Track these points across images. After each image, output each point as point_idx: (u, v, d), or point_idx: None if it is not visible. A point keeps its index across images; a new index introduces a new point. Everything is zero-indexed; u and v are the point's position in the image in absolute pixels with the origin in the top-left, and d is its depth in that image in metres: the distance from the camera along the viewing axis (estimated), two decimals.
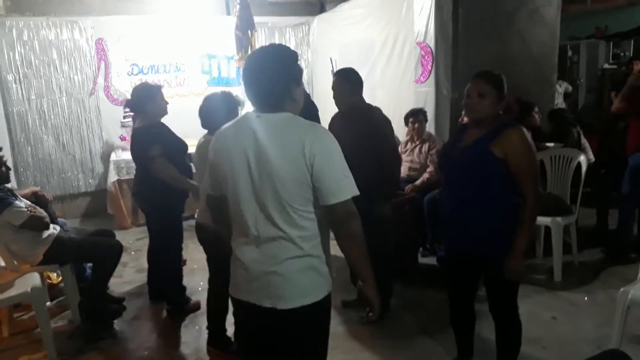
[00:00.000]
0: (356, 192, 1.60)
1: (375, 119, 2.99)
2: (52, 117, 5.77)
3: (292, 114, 1.64)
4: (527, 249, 2.11)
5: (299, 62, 1.71)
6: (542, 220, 3.69)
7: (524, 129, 2.13)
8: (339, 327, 3.09)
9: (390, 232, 3.14)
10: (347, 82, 2.98)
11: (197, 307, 3.48)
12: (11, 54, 5.50)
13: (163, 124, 3.30)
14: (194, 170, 3.20)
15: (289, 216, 1.59)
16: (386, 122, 3.05)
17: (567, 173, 3.93)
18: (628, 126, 4.09)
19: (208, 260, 2.86)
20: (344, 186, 1.57)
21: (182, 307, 3.45)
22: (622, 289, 2.46)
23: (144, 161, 3.19)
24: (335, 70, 6.14)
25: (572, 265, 3.82)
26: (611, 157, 4.38)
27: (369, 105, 3.08)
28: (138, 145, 3.25)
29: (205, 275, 2.90)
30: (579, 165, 3.86)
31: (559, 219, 3.64)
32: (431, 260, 3.99)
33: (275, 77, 1.61)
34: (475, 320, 2.51)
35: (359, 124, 2.89)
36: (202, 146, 2.73)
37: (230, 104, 2.80)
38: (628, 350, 2.39)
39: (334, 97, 3.06)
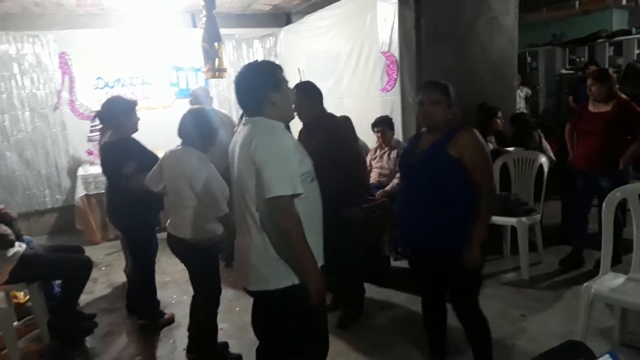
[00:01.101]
0: (288, 192, 1.72)
1: (335, 128, 3.06)
2: (15, 132, 5.62)
3: (261, 118, 1.87)
4: (486, 241, 2.22)
5: (278, 72, 1.92)
6: (508, 220, 3.82)
7: (475, 130, 2.27)
8: None
9: (360, 237, 3.19)
10: (306, 95, 3.03)
11: (171, 320, 3.44)
12: None
13: (134, 139, 3.26)
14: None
15: (249, 211, 1.83)
16: (346, 129, 3.12)
17: (530, 175, 4.08)
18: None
19: (191, 275, 2.81)
20: (276, 183, 1.72)
21: (156, 321, 3.41)
22: (585, 284, 2.56)
23: (117, 177, 3.13)
24: (301, 79, 6.24)
25: (538, 263, 3.95)
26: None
27: (330, 115, 3.14)
28: (110, 161, 3.20)
29: (179, 288, 2.88)
30: (541, 166, 4.02)
31: (524, 219, 3.77)
32: (403, 264, 4.06)
33: (250, 85, 1.88)
34: (445, 318, 2.57)
35: (319, 134, 2.95)
36: (187, 159, 2.66)
37: (214, 119, 2.82)
38: (593, 342, 2.51)
39: (295, 111, 3.08)
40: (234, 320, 3.40)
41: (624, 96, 3.68)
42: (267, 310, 1.98)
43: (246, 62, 6.91)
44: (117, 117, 3.20)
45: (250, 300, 2.05)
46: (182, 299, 3.70)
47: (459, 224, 2.23)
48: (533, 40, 8.95)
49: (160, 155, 3.25)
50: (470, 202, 2.21)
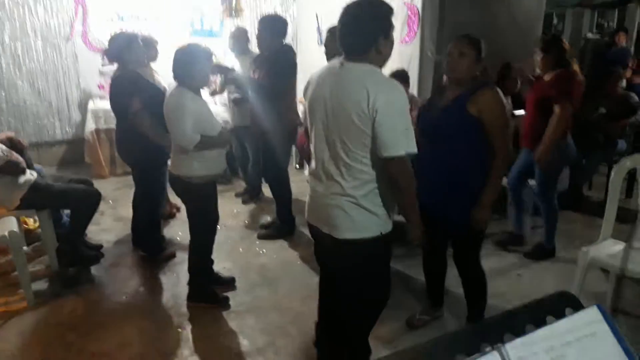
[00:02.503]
0: (412, 150, 1.73)
1: (279, 60, 3.42)
2: (27, 61, 5.58)
3: (371, 67, 1.75)
4: (495, 202, 2.24)
5: (391, 15, 1.78)
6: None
7: (497, 89, 2.23)
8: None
9: None
10: (268, 29, 3.40)
11: (172, 256, 3.53)
12: None
13: (138, 74, 3.24)
14: None
15: (349, 159, 1.77)
16: (286, 64, 3.49)
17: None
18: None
19: (188, 213, 2.88)
20: (398, 142, 1.70)
21: (156, 255, 3.50)
22: (582, 249, 2.59)
23: (124, 113, 3.17)
24: (320, 27, 6.09)
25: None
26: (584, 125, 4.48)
27: (286, 49, 3.48)
28: (117, 97, 3.23)
29: (185, 225, 2.94)
30: None
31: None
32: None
33: (364, 28, 1.73)
34: (445, 269, 2.65)
35: (265, 67, 3.37)
36: (173, 99, 2.69)
37: (203, 56, 2.76)
38: (585, 304, 2.55)
39: (257, 42, 3.52)
40: (236, 261, 3.49)
41: (575, 68, 3.36)
42: (349, 258, 1.93)
43: (264, 4, 6.81)
44: (120, 51, 3.20)
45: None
46: (188, 236, 3.77)
47: (471, 185, 2.24)
48: (562, 1, 8.61)
49: None
50: (487, 165, 2.20)
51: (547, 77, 3.33)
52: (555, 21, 8.60)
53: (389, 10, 1.77)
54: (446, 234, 2.46)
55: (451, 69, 2.26)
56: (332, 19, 5.42)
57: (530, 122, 3.38)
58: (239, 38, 4.52)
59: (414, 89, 4.52)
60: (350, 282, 2.02)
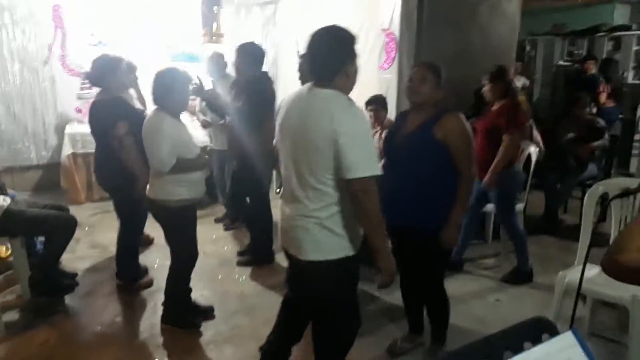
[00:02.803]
0: (376, 172, 1.76)
1: (258, 89, 3.42)
2: (3, 84, 5.50)
3: (337, 92, 1.80)
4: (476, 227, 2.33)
5: (355, 43, 1.85)
6: (491, 206, 3.87)
7: (460, 114, 2.33)
8: None
9: None
10: (246, 57, 3.43)
11: (149, 284, 3.47)
12: None
13: (123, 98, 3.24)
14: None
15: (314, 181, 1.80)
16: (265, 92, 3.50)
17: (518, 163, 4.10)
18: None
19: (166, 237, 2.85)
20: (362, 164, 1.73)
21: (133, 282, 3.43)
22: (560, 273, 2.62)
23: (105, 138, 3.14)
24: (300, 52, 6.17)
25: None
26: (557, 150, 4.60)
27: (263, 78, 3.54)
28: (99, 121, 3.19)
29: (162, 252, 2.89)
30: (529, 156, 4.04)
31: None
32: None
33: (331, 54, 1.80)
34: (423, 294, 2.64)
35: (247, 92, 3.37)
36: (151, 123, 2.71)
37: (181, 80, 2.77)
38: (563, 329, 2.57)
39: (235, 69, 3.54)
40: (215, 289, 3.44)
41: (521, 98, 3.46)
42: (316, 280, 1.94)
43: (244, 29, 6.89)
44: (102, 75, 3.20)
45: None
46: (165, 263, 3.71)
47: (440, 205, 2.31)
48: (534, 29, 8.90)
49: None
50: (452, 185, 2.29)
51: (494, 107, 3.48)
52: (527, 48, 8.87)
53: (353, 38, 1.84)
54: (415, 255, 2.45)
55: (413, 93, 2.34)
56: None
57: (480, 152, 3.32)
58: (217, 62, 4.55)
59: (392, 114, 4.58)
60: (315, 306, 2.04)
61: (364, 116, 1.84)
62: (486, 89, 3.50)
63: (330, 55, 1.80)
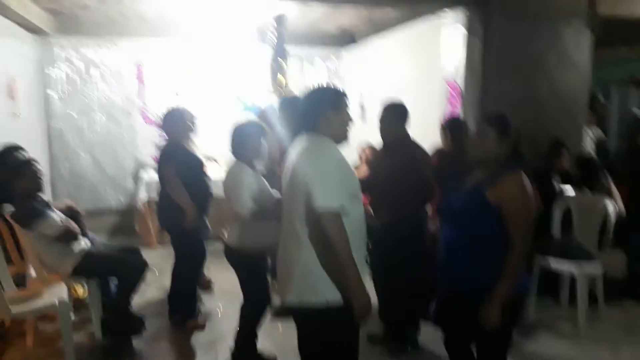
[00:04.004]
0: (336, 204, 1.78)
1: (415, 154, 3.11)
2: (90, 134, 6.00)
3: (316, 136, 1.96)
4: (511, 305, 2.03)
5: (342, 97, 2.04)
6: (567, 266, 3.64)
7: (522, 175, 2.07)
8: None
9: (423, 263, 3.13)
10: (394, 116, 3.15)
11: (201, 325, 3.55)
12: (55, 71, 5.78)
13: (178, 145, 3.52)
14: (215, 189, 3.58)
15: (302, 225, 1.89)
16: (428, 159, 3.17)
17: (595, 221, 3.86)
18: None
19: (241, 283, 2.92)
20: (325, 196, 1.79)
21: (186, 318, 3.54)
22: None
23: (162, 180, 3.47)
24: (362, 103, 6.27)
25: (597, 316, 3.73)
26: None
27: (413, 141, 3.19)
28: (158, 165, 3.54)
29: (227, 299, 2.94)
30: (607, 214, 3.80)
31: (584, 266, 3.57)
32: None
33: (311, 103, 2.02)
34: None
35: (399, 157, 3.05)
36: (232, 172, 2.88)
37: (255, 132, 2.95)
38: None
39: (380, 129, 3.19)
40: (276, 339, 3.41)
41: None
42: (304, 326, 2.03)
43: (308, 80, 7.16)
44: (165, 126, 3.56)
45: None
46: (228, 311, 3.77)
47: (489, 274, 2.04)
48: (607, 78, 8.56)
49: (219, 166, 3.50)
50: (503, 255, 2.03)
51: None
52: (601, 98, 8.51)
53: (339, 92, 2.04)
54: (462, 323, 2.24)
55: (471, 149, 2.20)
56: (374, 93, 5.59)
57: None
58: (270, 115, 4.71)
59: None
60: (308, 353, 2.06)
61: (334, 152, 1.92)
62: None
63: (310, 104, 2.01)
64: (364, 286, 1.86)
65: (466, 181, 2.25)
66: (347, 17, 5.74)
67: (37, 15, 5.16)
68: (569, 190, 4.21)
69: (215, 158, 5.41)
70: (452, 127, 3.69)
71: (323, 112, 1.96)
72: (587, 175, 4.43)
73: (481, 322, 2.03)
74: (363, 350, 3.11)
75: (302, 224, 1.89)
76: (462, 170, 2.85)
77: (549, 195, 4.04)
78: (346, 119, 2.03)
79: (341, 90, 2.07)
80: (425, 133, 4.97)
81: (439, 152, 3.83)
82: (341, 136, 2.02)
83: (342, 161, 1.93)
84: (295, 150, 2.01)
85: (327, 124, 1.97)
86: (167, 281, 4.28)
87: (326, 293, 1.88)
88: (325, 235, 1.79)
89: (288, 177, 1.99)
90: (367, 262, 2.18)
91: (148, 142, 6.08)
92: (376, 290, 3.33)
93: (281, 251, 2.07)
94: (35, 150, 4.83)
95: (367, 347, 3.26)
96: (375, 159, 3.48)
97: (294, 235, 1.93)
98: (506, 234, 2.03)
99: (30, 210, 3.07)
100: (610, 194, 4.30)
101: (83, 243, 3.32)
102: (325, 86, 2.10)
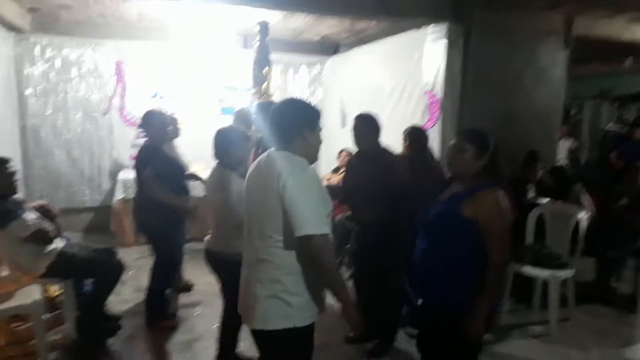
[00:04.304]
0: (322, 232, 1.74)
1: (388, 160, 3.20)
2: (65, 132, 5.89)
3: (288, 153, 1.87)
4: (490, 314, 2.08)
5: (317, 114, 1.96)
6: (539, 273, 3.74)
7: (499, 192, 2.06)
8: None
9: (401, 264, 3.11)
10: (365, 126, 3.21)
11: (172, 327, 3.55)
12: (32, 69, 5.67)
13: (157, 147, 3.50)
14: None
15: (266, 244, 1.83)
16: (401, 166, 3.23)
17: (567, 229, 3.98)
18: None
19: (222, 288, 2.90)
20: (306, 223, 1.73)
21: (158, 318, 3.53)
22: (616, 350, 2.47)
23: (139, 181, 3.43)
24: (344, 110, 6.32)
25: (567, 319, 3.83)
26: (609, 216, 4.46)
27: (384, 148, 3.27)
28: (136, 166, 3.49)
29: (205, 300, 2.93)
30: (578, 221, 3.92)
31: (557, 272, 3.68)
32: None
33: (289, 117, 1.91)
34: None
35: (374, 164, 3.12)
36: (217, 178, 2.86)
37: (239, 137, 2.96)
38: None
39: (354, 138, 3.26)
40: None
41: None
42: (264, 350, 1.97)
43: (292, 87, 7.19)
44: (146, 127, 3.52)
45: None
46: (205, 312, 3.75)
47: (462, 289, 2.07)
48: (580, 93, 8.85)
49: (201, 167, 3.48)
50: (478, 268, 2.03)
51: None
52: (573, 112, 8.80)
53: (315, 110, 1.96)
54: (439, 339, 2.21)
55: (449, 163, 2.19)
56: (356, 105, 5.65)
57: None
58: (244, 117, 4.72)
59: None
60: None
61: (314, 175, 1.86)
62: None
63: (288, 120, 1.89)
64: (354, 302, 1.89)
65: (442, 193, 2.23)
66: (330, 27, 5.80)
67: (15, 13, 5.07)
68: (543, 200, 4.34)
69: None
70: (412, 135, 3.77)
71: (300, 130, 1.88)
72: (560, 185, 4.58)
73: (465, 335, 2.04)
74: (343, 351, 3.20)
75: (272, 244, 1.82)
76: (418, 177, 3.11)
77: (524, 205, 4.15)
78: (319, 140, 1.97)
79: (317, 109, 1.99)
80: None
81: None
82: (313, 157, 1.96)
83: (320, 182, 1.90)
84: (261, 166, 1.92)
85: (303, 144, 1.89)
86: (143, 281, 4.23)
87: (294, 318, 1.84)
88: (314, 258, 1.75)
89: (254, 193, 1.91)
90: (347, 264, 2.20)
91: (126, 142, 6.00)
92: (356, 290, 3.37)
93: (245, 273, 1.97)
94: (8, 149, 4.73)
95: (346, 349, 3.27)
96: (351, 164, 3.53)
97: (264, 255, 1.85)
98: (482, 248, 2.03)
99: (3, 211, 3.00)
100: (581, 203, 4.45)
101: (56, 243, 3.26)
102: (302, 102, 2.00)
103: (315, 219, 1.74)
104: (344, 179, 3.60)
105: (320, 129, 1.97)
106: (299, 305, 1.83)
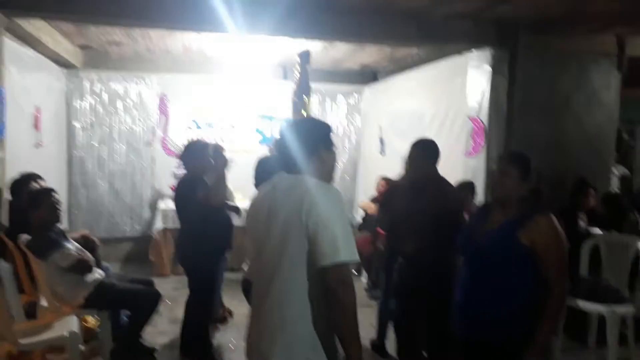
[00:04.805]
0: (353, 259, 1.55)
1: (447, 193, 3.00)
2: (110, 163, 6.06)
3: (303, 176, 1.67)
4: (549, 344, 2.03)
5: (331, 132, 1.80)
6: (596, 308, 3.47)
7: (552, 216, 2.05)
8: None
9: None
10: (424, 152, 3.05)
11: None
12: (81, 103, 5.91)
13: (200, 177, 3.34)
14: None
15: (299, 277, 1.58)
16: (456, 196, 3.06)
17: (624, 260, 3.70)
18: None
19: None
20: (338, 249, 1.52)
21: (194, 352, 3.40)
22: None
23: (184, 214, 3.31)
24: (382, 138, 6.22)
25: (627, 358, 3.52)
26: None
27: (441, 177, 3.08)
28: (179, 197, 3.39)
29: (241, 333, 2.83)
30: (637, 252, 3.64)
31: (615, 307, 3.40)
32: None
33: (305, 138, 1.72)
34: None
35: (431, 195, 2.90)
36: (255, 204, 2.77)
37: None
38: None
39: (409, 163, 3.11)
40: None
41: None
42: None
43: (329, 116, 7.18)
44: (187, 157, 3.41)
45: None
46: (241, 344, 3.65)
47: (521, 321, 2.01)
48: (632, 117, 8.42)
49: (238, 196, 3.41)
50: (536, 298, 1.99)
51: None
52: (626, 136, 8.36)
53: (328, 127, 1.80)
54: None
55: (493, 187, 2.18)
56: (396, 132, 5.53)
57: None
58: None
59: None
60: None
61: (337, 195, 1.64)
62: None
63: (305, 139, 1.71)
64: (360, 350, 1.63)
65: (486, 220, 2.17)
66: (370, 55, 5.78)
67: (67, 50, 5.33)
68: (596, 229, 4.07)
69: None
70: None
71: (316, 150, 1.71)
72: (614, 214, 4.30)
73: None
74: None
75: (291, 277, 1.60)
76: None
77: (576, 235, 3.89)
78: (335, 160, 1.81)
79: (328, 124, 1.83)
80: (447, 167, 4.91)
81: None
82: (329, 177, 1.77)
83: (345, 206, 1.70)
84: (278, 192, 1.71)
85: (320, 165, 1.71)
86: (179, 312, 4.20)
87: (309, 355, 1.60)
88: (334, 292, 1.54)
89: (271, 222, 1.68)
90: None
91: (167, 172, 6.09)
92: (396, 333, 3.20)
93: (256, 307, 1.74)
94: (55, 179, 4.89)
95: None
96: (400, 191, 3.30)
97: (285, 290, 1.62)
98: (539, 277, 1.98)
99: (46, 240, 3.05)
100: (638, 232, 4.15)
101: (97, 274, 3.28)
102: (313, 119, 1.85)
103: (347, 245, 1.54)
104: (388, 206, 3.40)
105: (335, 147, 1.81)
106: (317, 356, 1.60)
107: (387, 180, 4.87)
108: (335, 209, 1.59)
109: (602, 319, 3.51)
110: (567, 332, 3.66)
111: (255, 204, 1.82)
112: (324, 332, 1.60)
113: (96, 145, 6.01)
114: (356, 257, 1.57)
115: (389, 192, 3.71)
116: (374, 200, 5.43)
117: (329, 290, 1.54)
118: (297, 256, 1.59)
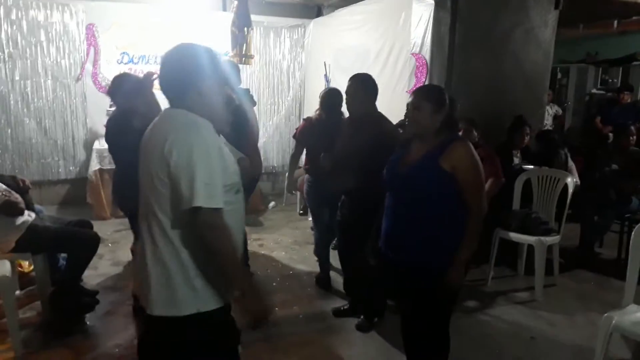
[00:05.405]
0: (211, 205, 1.45)
1: (385, 130, 2.95)
2: (36, 100, 5.60)
3: (181, 110, 1.55)
4: (470, 260, 2.15)
5: (216, 59, 1.63)
6: (525, 238, 3.72)
7: (469, 142, 2.15)
8: (331, 335, 3.08)
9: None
10: (362, 88, 2.98)
11: None
12: None
13: (130, 112, 3.00)
14: None
15: (159, 217, 1.53)
16: (395, 134, 2.98)
17: (554, 194, 3.95)
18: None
19: None
20: (195, 192, 1.43)
21: None
22: (606, 315, 2.45)
23: (119, 155, 3.10)
24: (328, 75, 6.14)
25: (553, 285, 3.83)
26: (595, 181, 4.43)
27: (380, 114, 3.05)
28: (111, 135, 3.14)
29: None
30: (565, 186, 3.88)
31: (543, 238, 3.65)
32: None
33: (178, 67, 1.58)
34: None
35: (369, 132, 2.87)
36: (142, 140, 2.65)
37: (227, 102, 2.73)
38: None
39: (347, 102, 3.06)
40: None
41: None
42: (162, 340, 1.62)
43: (273, 51, 6.94)
44: (113, 92, 3.15)
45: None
46: None
47: (446, 243, 2.12)
48: (566, 57, 8.74)
49: None
50: (460, 221, 2.09)
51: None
52: (559, 76, 8.71)
53: (212, 53, 1.63)
54: (418, 296, 2.22)
55: (409, 122, 2.22)
56: (341, 69, 5.44)
57: None
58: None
59: None
60: None
61: (210, 136, 1.53)
62: None
63: (177, 68, 1.57)
64: (255, 287, 1.64)
65: (408, 154, 2.22)
66: None
67: None
68: (529, 166, 4.27)
69: None
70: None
71: (191, 79, 1.55)
72: (546, 150, 4.51)
73: (447, 282, 2.09)
74: (330, 324, 3.16)
75: (159, 221, 1.52)
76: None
77: (510, 170, 4.08)
78: (219, 97, 1.62)
79: (213, 50, 1.64)
80: (391, 104, 4.92)
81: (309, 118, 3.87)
82: (216, 114, 1.61)
83: (217, 144, 1.56)
84: (153, 129, 1.61)
85: (198, 96, 1.55)
86: (121, 255, 4.12)
87: (197, 302, 1.55)
88: (202, 237, 1.48)
89: (144, 160, 1.60)
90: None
91: (100, 110, 5.67)
92: (341, 262, 3.30)
93: (140, 246, 1.66)
94: None
95: (334, 321, 3.24)
96: (309, 128, 3.52)
97: (154, 232, 1.55)
98: (461, 200, 2.09)
99: None
100: (567, 168, 4.41)
101: (27, 216, 3.10)
102: (196, 47, 1.61)
103: (204, 190, 1.43)
104: (303, 142, 3.60)
105: (222, 83, 1.64)
106: (202, 288, 1.55)
107: (306, 119, 4.79)
108: (199, 149, 1.46)
109: (531, 249, 3.76)
110: (498, 261, 3.91)
111: (142, 140, 1.68)
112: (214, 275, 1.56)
113: (18, 79, 5.50)
114: (216, 204, 1.46)
115: (304, 128, 3.75)
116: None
117: (198, 234, 1.48)
118: (162, 197, 1.51)
